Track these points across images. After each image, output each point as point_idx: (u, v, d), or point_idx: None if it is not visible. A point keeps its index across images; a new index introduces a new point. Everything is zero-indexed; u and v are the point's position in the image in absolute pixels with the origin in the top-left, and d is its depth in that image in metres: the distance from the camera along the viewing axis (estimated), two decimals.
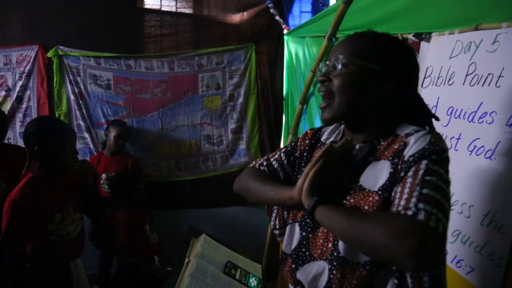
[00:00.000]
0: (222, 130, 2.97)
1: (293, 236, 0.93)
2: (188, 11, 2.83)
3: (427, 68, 1.33)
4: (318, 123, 2.25)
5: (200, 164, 2.98)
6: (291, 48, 2.80)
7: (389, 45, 0.87)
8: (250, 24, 2.85)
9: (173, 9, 2.80)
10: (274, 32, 2.88)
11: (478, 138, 1.09)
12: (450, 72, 1.22)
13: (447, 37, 1.25)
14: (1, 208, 1.68)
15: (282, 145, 2.87)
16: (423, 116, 0.91)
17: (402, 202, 0.70)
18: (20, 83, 2.68)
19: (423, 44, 1.36)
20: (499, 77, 1.03)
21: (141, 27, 2.78)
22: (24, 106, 2.72)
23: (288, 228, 0.95)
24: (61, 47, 2.67)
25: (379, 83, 0.84)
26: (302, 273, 0.88)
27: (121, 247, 2.13)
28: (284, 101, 3.00)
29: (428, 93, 1.31)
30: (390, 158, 0.80)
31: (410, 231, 0.64)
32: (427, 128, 0.88)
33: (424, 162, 0.72)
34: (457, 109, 1.18)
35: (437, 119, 0.92)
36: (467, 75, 1.14)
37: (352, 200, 0.81)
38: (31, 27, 2.67)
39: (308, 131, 1.05)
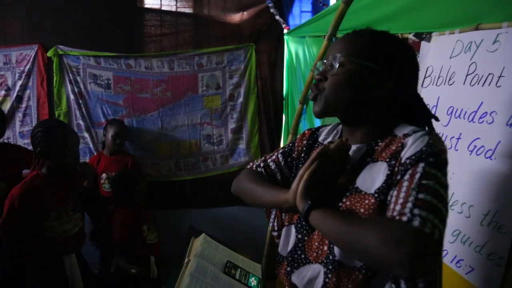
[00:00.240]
0: (222, 129, 2.96)
1: (289, 238, 0.92)
2: (188, 10, 2.83)
3: (427, 68, 1.33)
4: (318, 123, 2.25)
5: (200, 164, 2.97)
6: (291, 47, 2.80)
7: (388, 43, 0.84)
8: (250, 24, 2.84)
9: (173, 9, 2.80)
10: (274, 32, 2.88)
11: (478, 138, 1.09)
12: (450, 72, 1.22)
13: (448, 37, 1.25)
14: (1, 207, 1.68)
15: (282, 145, 2.87)
16: (423, 116, 0.89)
17: (398, 207, 0.68)
18: (19, 82, 2.67)
19: (423, 44, 1.36)
20: (499, 77, 1.03)
21: (141, 27, 2.77)
22: (24, 105, 2.72)
23: (284, 230, 0.94)
24: (61, 46, 2.66)
25: (378, 83, 0.82)
26: (297, 276, 0.87)
27: (115, 246, 2.14)
28: (284, 101, 3.00)
29: (428, 93, 1.30)
30: (387, 160, 0.78)
31: (404, 238, 0.61)
32: (426, 128, 0.87)
33: (421, 165, 0.70)
34: (457, 109, 1.18)
35: (436, 119, 0.90)
36: (467, 75, 1.14)
37: (348, 203, 0.79)
38: (31, 27, 2.66)
39: (306, 131, 1.03)
